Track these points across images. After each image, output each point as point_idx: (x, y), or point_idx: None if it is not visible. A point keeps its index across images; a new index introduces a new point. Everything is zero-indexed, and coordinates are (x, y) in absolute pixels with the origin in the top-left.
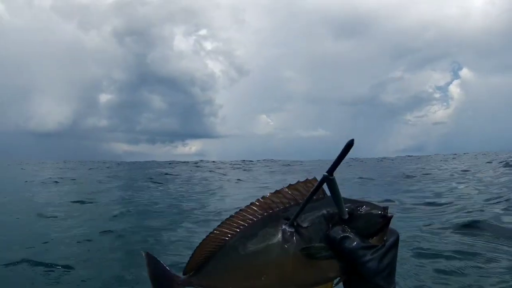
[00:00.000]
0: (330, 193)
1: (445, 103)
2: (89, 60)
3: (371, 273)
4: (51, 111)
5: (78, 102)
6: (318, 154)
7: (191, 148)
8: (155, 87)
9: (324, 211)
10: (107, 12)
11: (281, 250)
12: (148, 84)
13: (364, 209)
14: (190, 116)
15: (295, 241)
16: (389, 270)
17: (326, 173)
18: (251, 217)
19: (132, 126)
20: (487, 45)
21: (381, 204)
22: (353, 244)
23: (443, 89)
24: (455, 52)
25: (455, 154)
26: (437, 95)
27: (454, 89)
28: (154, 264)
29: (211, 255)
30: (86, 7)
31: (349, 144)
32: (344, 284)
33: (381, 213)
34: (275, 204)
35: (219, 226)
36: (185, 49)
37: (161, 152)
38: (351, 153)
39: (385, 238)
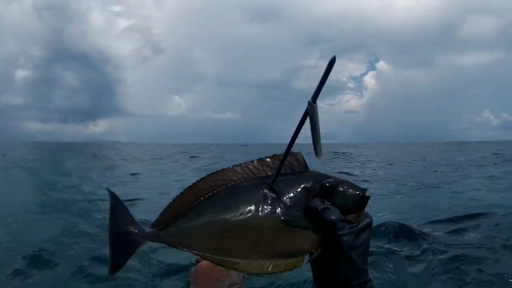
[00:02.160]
0: (310, 122)
1: (358, 93)
2: (7, 34)
3: (348, 246)
4: None
5: None
6: (227, 138)
7: (102, 127)
8: (70, 64)
9: (305, 183)
10: None
11: (259, 213)
12: (63, 61)
13: (345, 186)
14: (102, 95)
15: (274, 207)
16: (364, 249)
17: (310, 100)
18: (233, 178)
19: (45, 104)
20: (406, 40)
21: (361, 186)
22: (333, 216)
23: (358, 79)
24: (373, 44)
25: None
26: (351, 85)
27: (369, 80)
28: (116, 207)
29: (186, 211)
30: None
31: (331, 62)
32: (312, 264)
33: (360, 193)
34: (258, 171)
35: (198, 181)
36: (102, 26)
37: (73, 132)
38: (255, 138)
39: (359, 219)
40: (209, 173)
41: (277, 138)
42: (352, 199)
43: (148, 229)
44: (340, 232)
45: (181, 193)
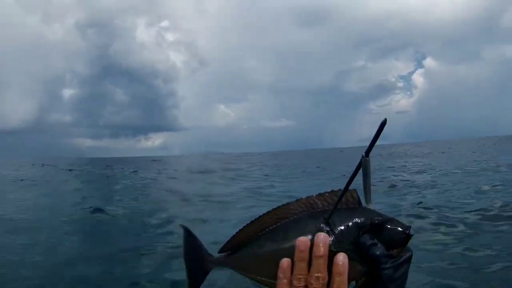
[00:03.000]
0: (363, 173)
1: (408, 92)
2: (52, 54)
3: (388, 279)
4: (14, 108)
5: (41, 98)
6: (282, 145)
7: (154, 142)
8: (118, 80)
9: (357, 219)
10: (70, 4)
11: None
12: (110, 77)
13: (392, 224)
14: (153, 109)
15: (329, 240)
16: (402, 280)
17: (363, 154)
18: (294, 211)
19: (95, 120)
20: (452, 35)
21: (406, 223)
22: (379, 252)
23: (406, 78)
24: (419, 42)
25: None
26: (400, 84)
27: (418, 78)
28: (190, 240)
29: (251, 240)
30: (48, 0)
31: (383, 123)
32: None
33: (405, 230)
34: (317, 205)
35: (264, 214)
36: (147, 41)
37: (124, 147)
38: (309, 144)
39: (401, 254)
40: (274, 207)
41: (332, 143)
42: (397, 237)
43: (216, 255)
44: (383, 266)
45: (247, 224)
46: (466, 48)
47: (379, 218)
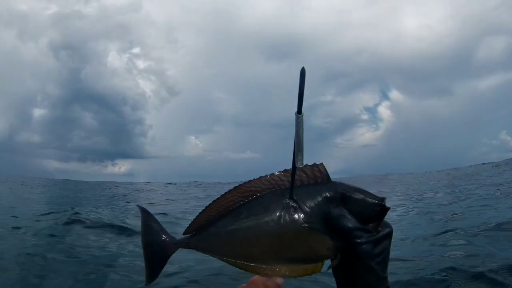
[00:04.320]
0: (295, 130)
1: (374, 125)
2: (25, 73)
3: (366, 254)
4: None
5: (12, 116)
6: (247, 176)
7: (120, 168)
8: (87, 104)
9: (326, 193)
10: (46, 24)
11: (282, 222)
12: (80, 101)
13: (364, 196)
14: (120, 136)
15: (296, 215)
16: (383, 257)
17: (296, 112)
18: (258, 189)
19: (63, 143)
20: (420, 69)
21: (380, 195)
22: (350, 224)
23: (372, 110)
24: (387, 75)
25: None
26: (365, 117)
27: (384, 110)
28: (148, 220)
29: (215, 220)
30: (26, 17)
31: (302, 72)
32: (334, 270)
33: (378, 202)
34: (282, 182)
35: (226, 193)
36: (118, 67)
37: (91, 171)
38: None
39: (379, 229)
40: (236, 185)
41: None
42: (371, 208)
43: (179, 237)
44: (358, 241)
45: (210, 204)
46: (437, 82)
47: (349, 190)
